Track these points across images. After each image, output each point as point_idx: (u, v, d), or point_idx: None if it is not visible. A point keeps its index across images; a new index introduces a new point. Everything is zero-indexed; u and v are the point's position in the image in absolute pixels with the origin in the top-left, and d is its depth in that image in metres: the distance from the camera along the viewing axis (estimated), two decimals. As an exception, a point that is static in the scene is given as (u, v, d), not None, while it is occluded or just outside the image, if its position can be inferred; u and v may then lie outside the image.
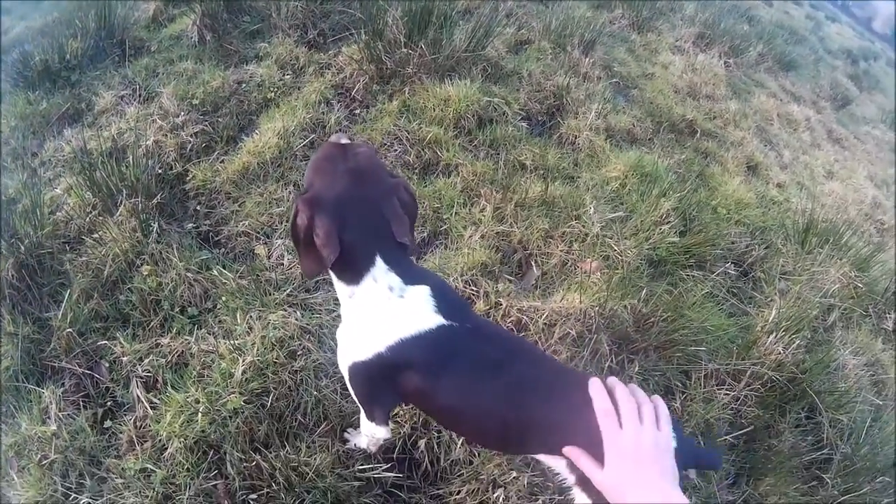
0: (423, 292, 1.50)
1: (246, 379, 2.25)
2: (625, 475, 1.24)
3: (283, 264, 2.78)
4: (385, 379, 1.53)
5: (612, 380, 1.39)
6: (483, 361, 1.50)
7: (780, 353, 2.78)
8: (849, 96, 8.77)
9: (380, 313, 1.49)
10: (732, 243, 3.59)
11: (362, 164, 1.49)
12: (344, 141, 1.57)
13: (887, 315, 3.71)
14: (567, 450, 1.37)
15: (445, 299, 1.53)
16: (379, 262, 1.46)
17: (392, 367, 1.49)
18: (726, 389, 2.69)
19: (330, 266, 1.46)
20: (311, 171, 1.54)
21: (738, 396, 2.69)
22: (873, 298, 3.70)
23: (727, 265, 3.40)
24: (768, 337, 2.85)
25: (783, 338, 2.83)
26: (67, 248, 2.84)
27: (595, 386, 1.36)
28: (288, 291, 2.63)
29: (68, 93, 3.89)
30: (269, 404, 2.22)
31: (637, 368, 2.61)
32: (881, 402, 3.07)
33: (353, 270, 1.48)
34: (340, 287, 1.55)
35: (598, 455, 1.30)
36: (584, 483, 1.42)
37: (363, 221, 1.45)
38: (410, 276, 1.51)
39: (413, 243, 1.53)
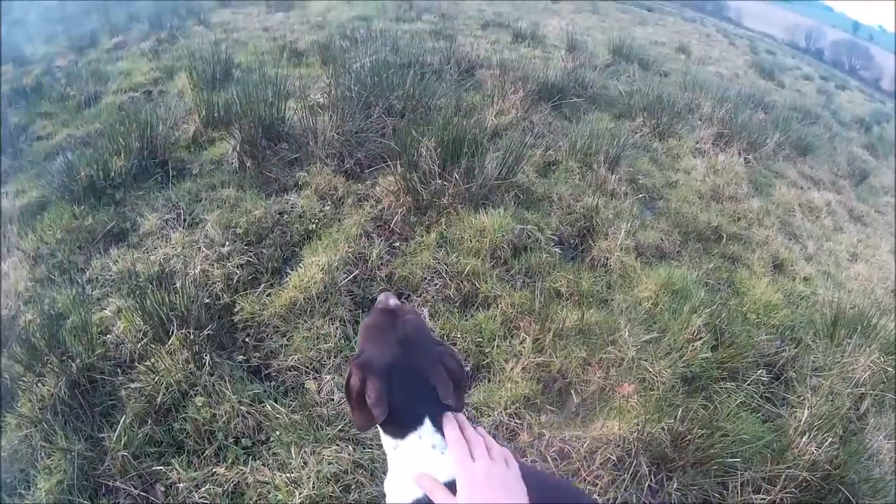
0: None
1: (304, 510, 2.31)
2: (476, 499, 1.26)
3: (333, 400, 2.85)
4: None
5: (461, 416, 1.44)
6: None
7: (813, 453, 2.80)
8: (866, 169, 8.86)
9: (421, 466, 1.59)
10: (763, 348, 3.61)
11: (410, 332, 1.61)
12: (392, 302, 1.70)
13: (918, 393, 3.71)
14: (417, 477, 1.39)
15: None
16: (427, 423, 1.57)
17: None
18: (762, 495, 2.70)
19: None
20: (364, 336, 1.66)
21: (775, 501, 2.70)
22: (904, 379, 3.70)
23: (759, 372, 3.41)
24: (801, 438, 2.87)
25: (816, 437, 2.85)
26: (119, 371, 2.92)
27: (448, 419, 1.41)
28: (339, 427, 2.70)
29: (113, 210, 4.01)
30: (326, 535, 2.27)
31: (675, 485, 2.64)
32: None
33: (400, 428, 1.59)
34: (386, 440, 1.65)
35: None
36: None
37: (411, 387, 1.57)
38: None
39: (461, 407, 1.65)
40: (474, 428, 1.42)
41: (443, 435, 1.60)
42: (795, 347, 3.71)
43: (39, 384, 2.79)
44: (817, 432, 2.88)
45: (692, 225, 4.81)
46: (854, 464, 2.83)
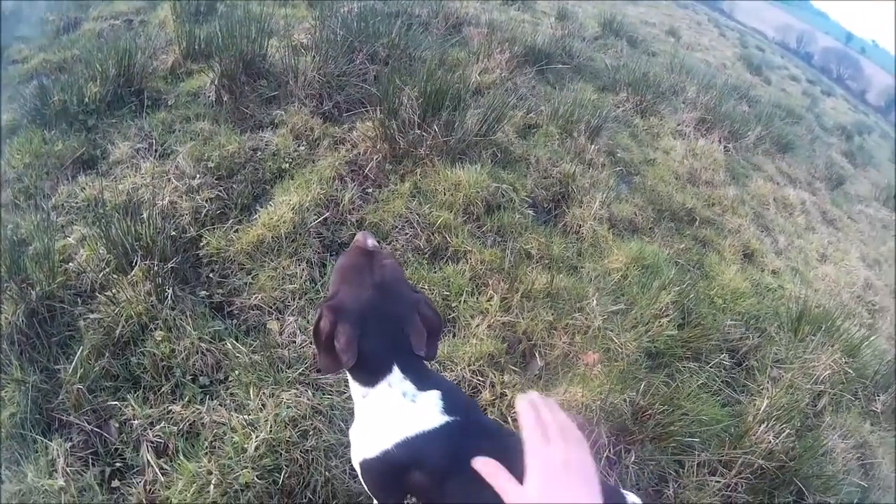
0: (433, 396, 1.57)
1: (259, 455, 2.28)
2: (551, 491, 1.12)
3: (295, 342, 2.81)
4: (393, 474, 1.59)
5: (534, 393, 1.30)
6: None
7: (770, 442, 2.84)
8: (843, 175, 8.98)
9: (390, 414, 1.56)
10: (728, 333, 3.66)
11: (387, 278, 1.56)
12: (370, 243, 1.65)
13: (876, 397, 3.80)
14: (480, 462, 1.25)
15: (455, 400, 1.60)
16: (396, 370, 1.53)
17: (399, 464, 1.55)
18: (718, 477, 2.74)
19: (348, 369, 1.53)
20: (338, 277, 1.61)
21: (729, 484, 2.74)
22: (862, 382, 3.78)
23: (722, 356, 3.45)
24: (760, 426, 2.91)
25: (774, 426, 2.90)
26: (79, 300, 2.84)
27: (522, 402, 1.28)
28: (300, 370, 2.66)
29: (84, 137, 3.90)
30: (280, 481, 2.25)
31: (633, 458, 2.66)
32: (867, 484, 3.15)
33: (370, 375, 1.55)
34: (355, 387, 1.61)
35: None
36: None
37: (384, 333, 1.53)
38: (425, 383, 1.58)
39: (433, 354, 1.61)
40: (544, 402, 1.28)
41: (412, 381, 1.56)
42: (759, 337, 3.77)
43: None
44: (775, 422, 2.92)
45: (666, 204, 4.83)
46: (809, 458, 2.88)
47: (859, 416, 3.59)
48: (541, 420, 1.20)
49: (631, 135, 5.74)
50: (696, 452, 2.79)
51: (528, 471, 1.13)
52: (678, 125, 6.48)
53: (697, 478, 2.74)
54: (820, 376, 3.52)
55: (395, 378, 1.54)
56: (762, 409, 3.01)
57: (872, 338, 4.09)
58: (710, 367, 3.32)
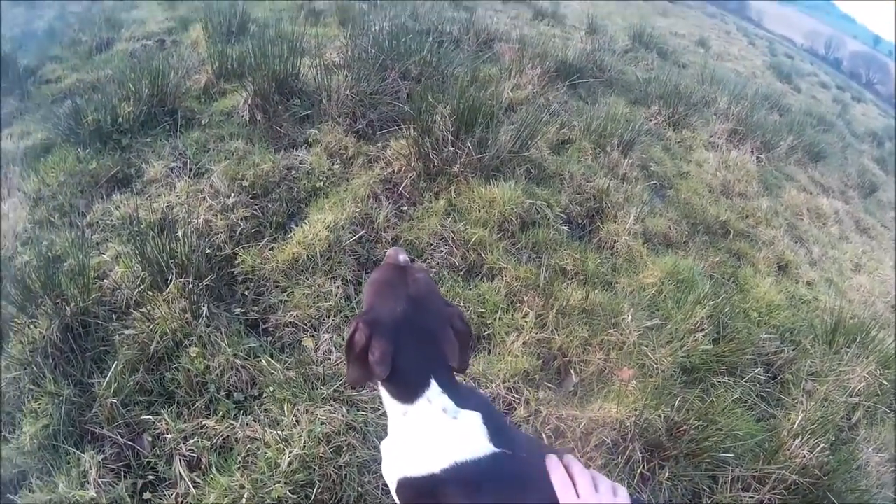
0: (475, 418, 1.57)
1: (292, 470, 2.29)
2: None
3: (329, 359, 2.82)
4: (432, 495, 1.60)
5: (568, 457, 1.39)
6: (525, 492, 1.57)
7: (804, 457, 2.80)
8: (875, 182, 8.86)
9: (434, 435, 1.56)
10: (762, 347, 3.61)
11: (421, 291, 1.57)
12: (402, 258, 1.66)
13: (910, 410, 3.71)
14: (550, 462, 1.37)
15: (497, 425, 1.60)
16: (433, 384, 1.54)
17: (441, 485, 1.55)
18: (751, 493, 2.71)
19: (382, 382, 1.53)
20: (372, 291, 1.62)
21: (763, 500, 2.71)
22: (897, 394, 3.71)
23: (757, 370, 3.40)
24: (794, 440, 2.87)
25: (808, 441, 2.85)
26: (114, 317, 2.87)
27: (552, 461, 1.38)
28: (334, 387, 2.67)
29: (118, 156, 3.95)
30: (313, 496, 2.26)
31: (667, 474, 2.64)
32: (901, 499, 3.09)
33: (408, 390, 1.56)
34: (392, 404, 1.62)
35: None
36: None
37: (419, 347, 1.54)
38: (461, 398, 1.58)
39: (466, 367, 1.62)
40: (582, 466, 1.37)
41: (450, 396, 1.56)
42: (794, 350, 3.71)
43: (32, 326, 2.73)
44: (810, 436, 2.88)
45: (700, 217, 4.80)
46: (843, 472, 2.83)
47: (894, 430, 3.51)
48: (572, 473, 1.31)
49: (664, 148, 5.72)
50: (730, 468, 2.77)
51: None
52: (710, 137, 6.45)
53: (731, 494, 2.71)
54: (855, 389, 3.45)
55: (434, 393, 1.54)
56: (797, 423, 2.98)
57: (908, 347, 4.02)
58: (745, 382, 3.27)
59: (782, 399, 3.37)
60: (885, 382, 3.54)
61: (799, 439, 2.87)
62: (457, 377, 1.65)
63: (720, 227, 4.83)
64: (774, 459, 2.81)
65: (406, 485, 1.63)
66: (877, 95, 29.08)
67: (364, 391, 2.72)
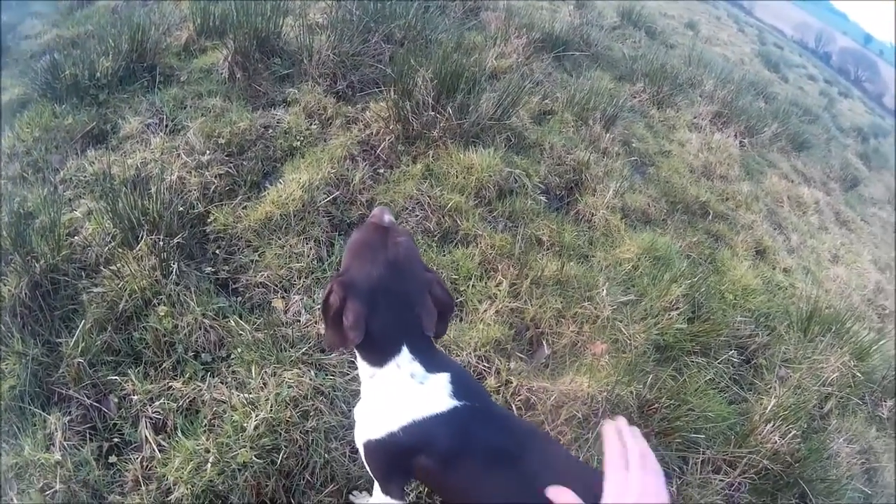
0: (442, 379, 1.54)
1: (258, 434, 2.25)
2: None
3: (299, 321, 2.78)
4: (399, 457, 1.56)
5: (621, 420, 1.34)
6: (495, 450, 1.53)
7: (776, 443, 2.82)
8: (858, 177, 8.93)
9: (398, 396, 1.53)
10: (737, 330, 3.62)
11: (401, 256, 1.53)
12: (387, 219, 1.61)
13: (883, 402, 3.77)
14: (553, 491, 1.30)
15: (464, 384, 1.57)
16: (405, 350, 1.51)
17: (405, 447, 1.52)
18: (722, 476, 2.72)
19: (354, 347, 1.49)
20: (351, 253, 1.58)
21: (733, 483, 2.72)
22: (870, 386, 3.75)
23: (731, 352, 3.42)
24: (766, 426, 2.88)
25: (780, 427, 2.87)
26: (83, 274, 2.81)
27: (609, 428, 1.33)
28: (303, 350, 2.63)
29: (94, 111, 3.88)
30: (279, 461, 2.23)
31: (637, 453, 2.63)
32: (870, 491, 3.12)
33: (379, 354, 1.53)
34: (363, 366, 1.59)
35: None
36: None
37: (393, 312, 1.50)
38: (434, 364, 1.55)
39: (442, 333, 1.59)
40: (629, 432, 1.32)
41: (421, 362, 1.53)
42: (768, 335, 3.73)
43: (0, 284, 2.67)
44: (782, 422, 2.89)
45: (680, 196, 4.79)
46: (814, 460, 2.85)
47: (865, 421, 3.56)
48: (623, 446, 1.23)
49: (647, 125, 5.70)
50: (701, 449, 2.77)
51: (605, 494, 1.17)
52: (694, 118, 6.43)
53: (701, 475, 2.72)
54: (828, 378, 3.47)
55: (404, 359, 1.51)
56: (769, 408, 2.98)
57: (882, 342, 4.04)
58: (719, 363, 3.28)
59: (755, 383, 3.38)
60: (858, 374, 3.57)
61: (771, 424, 2.89)
62: (435, 346, 1.63)
63: (699, 208, 4.82)
64: (746, 443, 2.83)
65: (371, 448, 1.61)
66: (864, 93, 29.26)
67: (333, 355, 2.68)
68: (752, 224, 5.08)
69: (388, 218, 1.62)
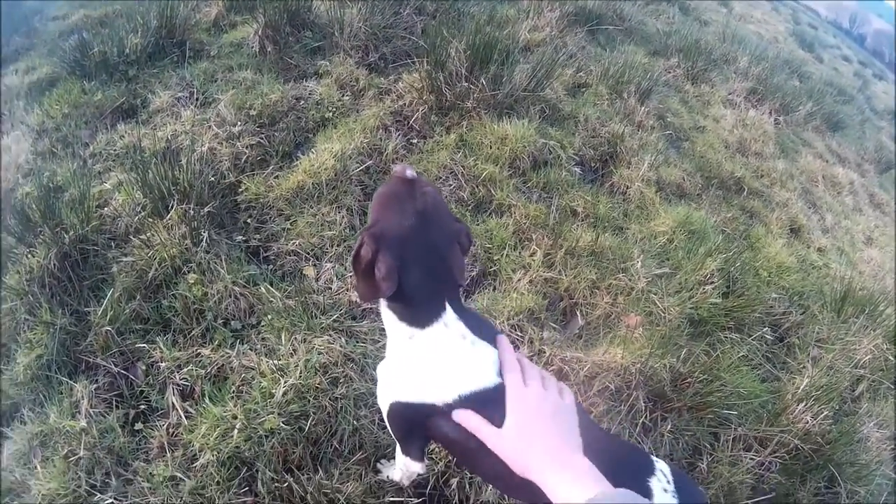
0: (488, 349, 1.50)
1: (286, 400, 2.25)
2: (527, 429, 1.20)
3: (331, 289, 2.78)
4: (424, 420, 1.54)
5: (519, 352, 1.40)
6: None
7: (807, 423, 2.78)
8: (892, 160, 8.72)
9: (448, 361, 1.48)
10: (771, 307, 3.57)
11: (429, 206, 1.49)
12: (409, 172, 1.58)
13: (914, 389, 3.67)
14: (459, 416, 1.33)
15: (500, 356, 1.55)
16: (449, 309, 1.47)
17: (440, 414, 1.49)
18: (752, 454, 2.68)
19: (388, 301, 1.47)
20: (379, 205, 1.54)
21: (763, 462, 2.69)
22: (902, 371, 3.66)
23: (764, 329, 3.37)
24: (798, 405, 2.84)
25: (812, 407, 2.82)
26: (113, 244, 2.84)
27: (503, 341, 1.36)
28: (335, 317, 2.62)
29: (124, 87, 3.89)
30: (306, 428, 2.22)
31: (669, 427, 2.60)
32: (898, 478, 3.06)
33: (421, 312, 1.48)
34: (398, 328, 1.54)
35: None
36: None
37: (427, 265, 1.46)
38: (473, 325, 1.52)
39: (463, 284, 1.56)
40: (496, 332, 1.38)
41: (465, 322, 1.49)
42: (802, 314, 3.67)
43: (30, 255, 2.70)
44: (814, 402, 2.85)
45: (715, 171, 4.72)
46: (844, 443, 2.81)
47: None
48: (521, 364, 1.28)
49: (681, 100, 5.62)
50: (733, 426, 2.74)
51: (507, 413, 1.23)
52: (729, 94, 6.33)
53: (732, 452, 2.68)
54: (860, 360, 3.41)
55: (451, 318, 1.47)
56: (801, 387, 2.93)
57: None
58: (752, 340, 3.23)
59: (787, 362, 3.33)
60: (890, 357, 3.51)
61: (803, 404, 2.84)
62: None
63: (734, 184, 4.75)
64: (777, 422, 2.79)
65: (397, 410, 1.56)
66: (898, 75, 28.66)
67: (365, 322, 2.67)
68: (787, 202, 5.00)
69: (410, 172, 1.59)
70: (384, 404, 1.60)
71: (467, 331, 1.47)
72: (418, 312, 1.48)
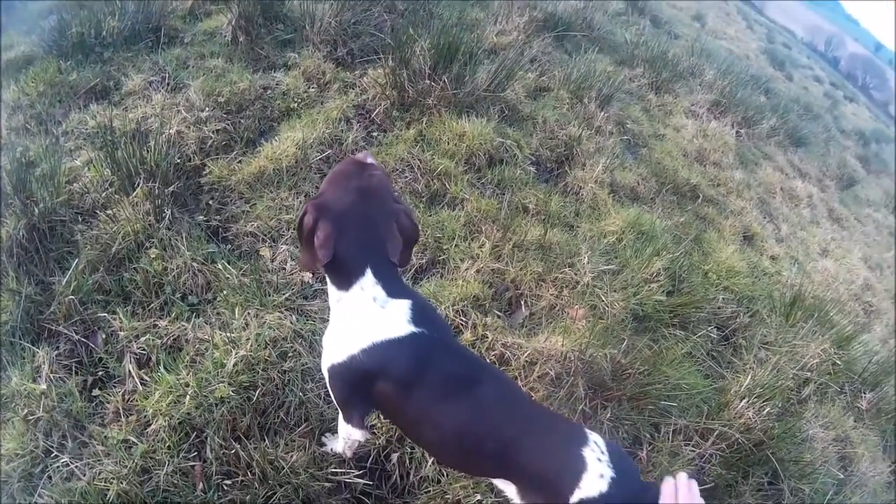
0: (403, 305, 1.63)
1: (236, 371, 2.33)
2: None
3: (285, 269, 2.87)
4: (359, 381, 1.64)
5: (682, 477, 1.45)
6: (451, 378, 1.63)
7: (749, 418, 2.87)
8: (854, 177, 8.90)
9: (360, 319, 1.60)
10: (718, 308, 3.66)
11: (373, 185, 1.62)
12: (370, 161, 1.70)
13: (862, 394, 3.78)
14: None
15: (424, 313, 1.66)
16: (369, 274, 1.59)
17: (364, 370, 1.60)
18: (693, 446, 2.76)
19: (323, 266, 1.59)
20: (328, 180, 1.69)
21: (704, 454, 2.77)
22: (850, 377, 3.77)
23: (710, 328, 3.48)
24: (740, 401, 2.94)
25: (755, 403, 2.92)
26: (80, 218, 2.91)
27: (667, 487, 1.44)
28: (287, 295, 2.72)
29: (99, 68, 3.95)
30: (255, 398, 2.31)
31: (609, 415, 2.69)
32: (844, 477, 3.14)
33: (345, 277, 1.61)
34: (332, 291, 1.67)
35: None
36: None
37: (360, 236, 1.58)
38: (396, 291, 1.64)
39: (406, 263, 1.67)
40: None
41: (384, 287, 1.61)
42: (750, 317, 3.77)
43: None
44: (757, 399, 2.94)
45: (671, 178, 4.82)
46: (787, 440, 2.89)
47: (843, 411, 3.58)
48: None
49: (643, 109, 5.73)
50: (674, 418, 2.81)
51: None
52: (692, 105, 6.45)
53: (673, 443, 2.75)
54: (807, 363, 3.50)
55: (368, 282, 1.59)
56: (745, 385, 3.03)
57: (865, 335, 4.08)
58: (697, 338, 3.31)
59: (733, 362, 3.43)
60: (838, 362, 3.62)
61: (745, 400, 2.94)
62: (400, 274, 1.71)
63: (689, 191, 4.86)
64: (718, 416, 2.88)
65: (333, 372, 1.68)
66: (870, 99, 29.12)
67: (316, 301, 2.76)
68: (742, 210, 5.13)
69: (370, 159, 1.71)
70: (325, 369, 1.71)
71: (382, 293, 1.60)
72: (344, 276, 1.60)
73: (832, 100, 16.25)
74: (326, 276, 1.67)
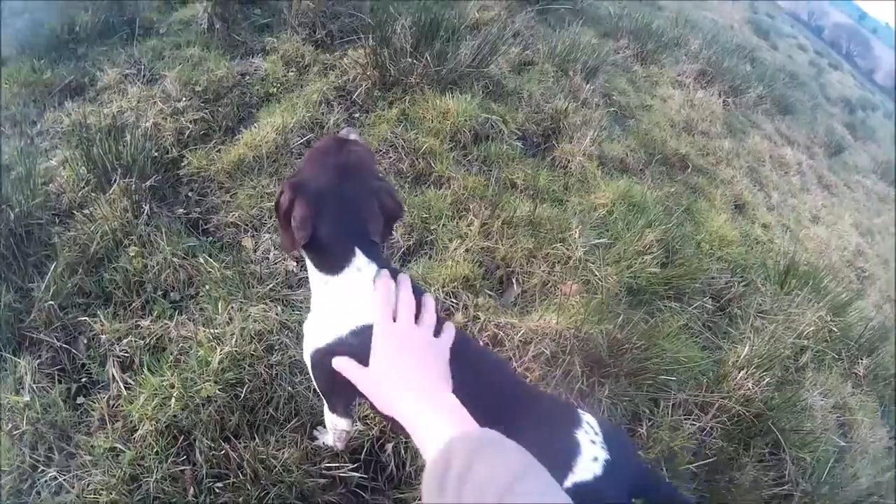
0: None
1: (222, 368, 2.26)
2: (389, 365, 1.13)
3: (268, 259, 2.80)
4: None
5: (403, 277, 1.33)
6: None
7: (749, 389, 2.83)
8: (843, 144, 8.93)
9: (353, 301, 1.53)
10: (713, 278, 3.63)
11: (352, 161, 1.53)
12: (353, 137, 1.62)
13: (859, 360, 3.77)
14: (335, 362, 1.27)
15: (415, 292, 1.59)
16: (360, 254, 1.51)
17: (353, 354, 1.52)
18: (693, 420, 2.72)
19: (303, 247, 1.50)
20: (307, 157, 1.59)
21: (704, 427, 2.73)
22: (847, 343, 3.76)
23: (705, 299, 3.44)
24: (739, 372, 2.90)
25: (754, 374, 2.88)
26: (57, 220, 2.84)
27: (382, 279, 1.34)
28: (271, 286, 2.65)
29: (73, 65, 3.89)
30: (242, 395, 2.24)
31: (607, 392, 2.63)
32: (845, 444, 3.11)
33: (332, 260, 1.52)
34: (315, 275, 1.58)
35: None
36: None
37: (340, 216, 1.50)
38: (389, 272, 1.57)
39: (384, 240, 1.59)
40: (422, 294, 1.31)
41: (378, 266, 1.53)
42: (744, 286, 3.74)
43: None
44: (756, 369, 2.91)
45: (660, 148, 4.79)
46: (787, 409, 2.86)
47: (841, 377, 3.57)
48: (400, 300, 1.22)
49: (629, 80, 5.69)
50: (672, 392, 2.77)
51: (372, 350, 1.16)
52: (678, 75, 6.44)
53: (672, 418, 2.71)
54: (804, 331, 3.48)
55: (362, 262, 1.51)
56: (742, 355, 3.00)
57: (859, 300, 4.06)
58: (692, 309, 3.28)
59: (729, 332, 3.40)
60: (834, 329, 3.60)
61: (744, 371, 2.90)
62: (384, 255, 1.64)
63: (679, 161, 4.83)
64: (718, 388, 2.84)
65: (317, 357, 1.59)
66: (855, 67, 29.16)
67: (300, 290, 2.70)
68: (732, 179, 5.10)
69: (353, 135, 1.63)
70: (307, 356, 1.63)
71: (376, 270, 1.52)
72: (331, 259, 1.52)
73: (817, 68, 16.26)
74: (307, 258, 1.59)
